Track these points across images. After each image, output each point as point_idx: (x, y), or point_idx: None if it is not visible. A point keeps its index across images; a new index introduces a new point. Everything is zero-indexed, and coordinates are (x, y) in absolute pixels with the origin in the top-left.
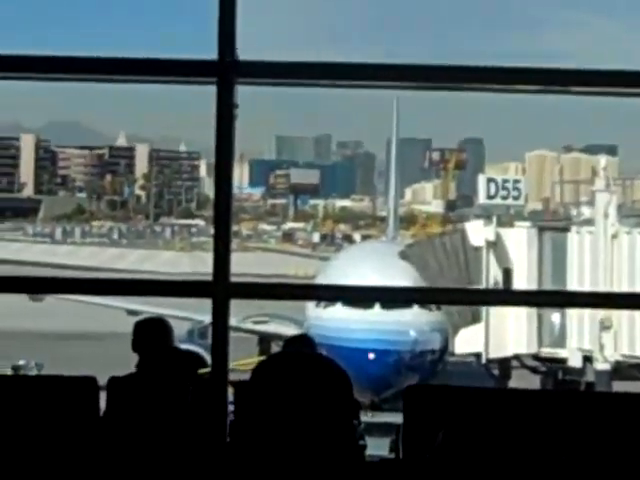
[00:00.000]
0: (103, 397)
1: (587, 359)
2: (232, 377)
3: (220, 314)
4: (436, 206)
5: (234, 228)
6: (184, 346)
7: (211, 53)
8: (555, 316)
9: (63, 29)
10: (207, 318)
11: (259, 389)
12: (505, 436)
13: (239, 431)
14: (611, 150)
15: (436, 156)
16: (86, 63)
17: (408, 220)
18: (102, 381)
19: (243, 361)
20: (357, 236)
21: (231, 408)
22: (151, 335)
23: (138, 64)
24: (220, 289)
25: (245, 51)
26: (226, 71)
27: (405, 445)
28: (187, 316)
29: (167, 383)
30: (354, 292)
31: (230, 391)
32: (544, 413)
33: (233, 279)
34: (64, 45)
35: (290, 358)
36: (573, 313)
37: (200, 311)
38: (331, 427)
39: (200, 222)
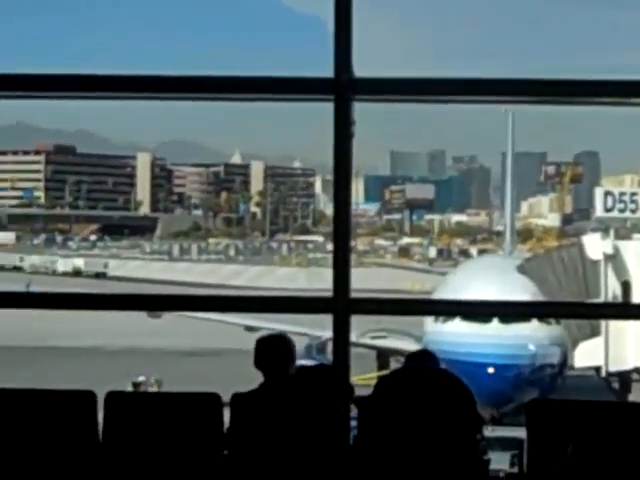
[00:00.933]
0: (226, 413)
1: None
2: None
3: (341, 329)
4: (552, 220)
5: (351, 244)
6: (299, 362)
7: (327, 71)
8: None
9: (178, 49)
10: (325, 333)
11: (383, 404)
12: (629, 450)
13: (363, 445)
14: None
15: (552, 170)
16: (201, 82)
17: (524, 234)
18: (225, 397)
19: (362, 376)
20: (474, 250)
21: (354, 423)
22: (274, 352)
23: (257, 83)
24: (341, 305)
25: (358, 68)
26: (343, 89)
27: (530, 459)
28: (305, 332)
29: (292, 399)
30: (473, 307)
31: (352, 406)
32: None
33: (354, 295)
34: (179, 64)
35: (412, 373)
36: None
37: (318, 326)
38: (455, 442)
39: (318, 238)
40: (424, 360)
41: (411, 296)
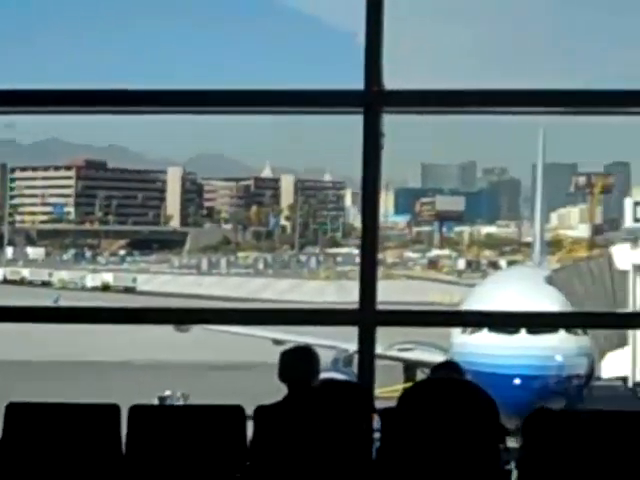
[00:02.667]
0: (250, 426)
1: None
2: (377, 405)
3: (366, 341)
4: (582, 230)
5: (379, 256)
6: (327, 374)
7: (357, 83)
8: None
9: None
10: (352, 346)
11: (407, 415)
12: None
13: (386, 456)
14: None
15: (582, 180)
16: (231, 95)
17: (554, 245)
18: (250, 411)
19: (389, 388)
20: (502, 262)
21: (377, 435)
22: (298, 364)
23: (287, 96)
24: (366, 317)
25: (390, 80)
26: (373, 101)
27: (521, 469)
28: (332, 344)
29: (315, 413)
30: (500, 318)
31: (376, 418)
32: None
33: (379, 307)
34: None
35: (437, 384)
36: None
37: (345, 339)
38: (478, 452)
39: (349, 250)
40: (449, 371)
41: (437, 308)
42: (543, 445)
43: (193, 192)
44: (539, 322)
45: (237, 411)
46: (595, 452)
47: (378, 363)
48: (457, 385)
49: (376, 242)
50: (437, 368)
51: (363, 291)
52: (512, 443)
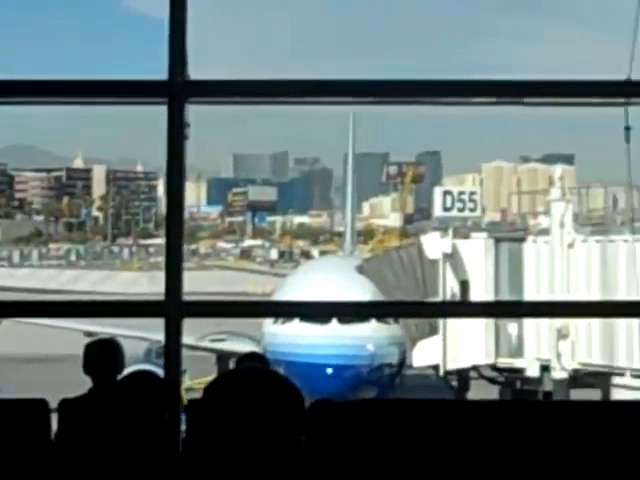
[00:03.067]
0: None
1: (545, 368)
2: (191, 396)
3: (173, 333)
4: (394, 220)
5: (192, 247)
6: (139, 366)
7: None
8: (512, 326)
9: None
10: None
11: (210, 407)
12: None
13: (191, 450)
14: (568, 159)
15: (393, 170)
16: (35, 86)
17: (366, 234)
18: (56, 404)
19: (202, 380)
20: (315, 252)
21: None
22: (101, 357)
23: (90, 86)
24: (172, 308)
25: (209, 70)
26: (176, 91)
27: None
28: (144, 336)
29: (117, 405)
30: (310, 307)
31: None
32: (497, 423)
33: (191, 297)
34: (12, 68)
35: (241, 375)
36: (530, 323)
37: (159, 330)
38: (282, 443)
39: (160, 241)
40: (253, 362)
41: (247, 298)
42: (323, 437)
43: (4, 183)
44: (350, 312)
45: (41, 405)
46: (381, 442)
47: (193, 354)
48: (261, 376)
49: (181, 233)
50: (242, 359)
51: (169, 282)
52: None
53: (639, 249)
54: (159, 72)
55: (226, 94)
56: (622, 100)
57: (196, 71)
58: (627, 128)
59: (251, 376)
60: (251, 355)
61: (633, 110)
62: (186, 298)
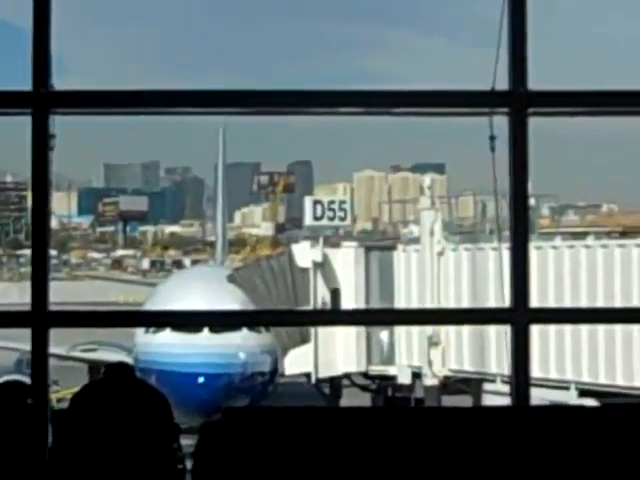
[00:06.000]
0: None
1: (416, 375)
2: (63, 407)
3: (39, 343)
4: (266, 229)
5: (64, 257)
6: (10, 377)
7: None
8: (384, 334)
9: None
10: None
11: (76, 417)
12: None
13: (58, 460)
14: (439, 168)
15: (265, 180)
16: None
17: (238, 244)
18: None
19: (73, 390)
20: (187, 261)
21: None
22: None
23: None
24: (39, 318)
25: (76, 80)
26: (40, 102)
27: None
28: (15, 347)
29: None
30: (180, 317)
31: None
32: (369, 430)
33: (63, 308)
34: None
35: (108, 384)
36: (401, 331)
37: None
38: (150, 451)
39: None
40: (120, 371)
41: (116, 308)
42: (225, 443)
43: None
44: (221, 321)
45: None
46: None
47: (66, 365)
48: (128, 384)
49: (47, 242)
50: (109, 368)
51: (35, 292)
52: (187, 441)
53: (507, 257)
54: (24, 82)
55: (91, 105)
56: (487, 110)
57: (63, 81)
58: (492, 137)
59: (118, 385)
60: (117, 365)
61: (497, 120)
62: (55, 308)
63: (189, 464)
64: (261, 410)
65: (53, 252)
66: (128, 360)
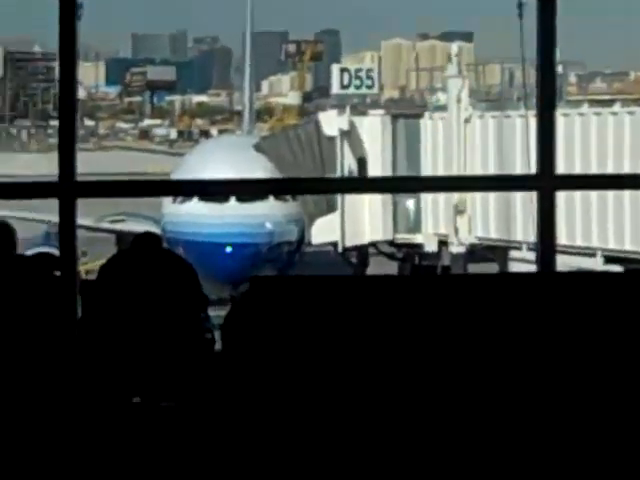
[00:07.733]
0: None
1: (443, 243)
2: (91, 277)
3: (67, 214)
4: (292, 98)
5: (91, 125)
6: (38, 249)
7: None
8: (410, 202)
9: None
10: None
11: (105, 288)
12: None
13: (86, 330)
14: (467, 37)
15: (292, 48)
16: None
17: (265, 113)
18: None
19: (102, 261)
20: (214, 131)
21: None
22: None
23: None
24: (65, 189)
25: None
26: None
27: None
28: (44, 218)
29: (11, 286)
30: (208, 186)
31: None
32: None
33: (90, 178)
34: None
35: (136, 255)
36: (428, 199)
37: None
38: (179, 320)
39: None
40: (148, 242)
41: (143, 178)
42: (253, 312)
43: None
44: (248, 189)
45: None
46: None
47: (93, 236)
48: (156, 255)
49: (74, 113)
50: (137, 239)
51: (62, 163)
52: (216, 312)
53: (533, 124)
54: None
55: None
56: None
57: None
58: (520, 4)
59: (146, 255)
60: (145, 235)
61: None
62: (82, 179)
63: (217, 335)
64: (288, 279)
65: (88, 122)
66: (156, 231)
